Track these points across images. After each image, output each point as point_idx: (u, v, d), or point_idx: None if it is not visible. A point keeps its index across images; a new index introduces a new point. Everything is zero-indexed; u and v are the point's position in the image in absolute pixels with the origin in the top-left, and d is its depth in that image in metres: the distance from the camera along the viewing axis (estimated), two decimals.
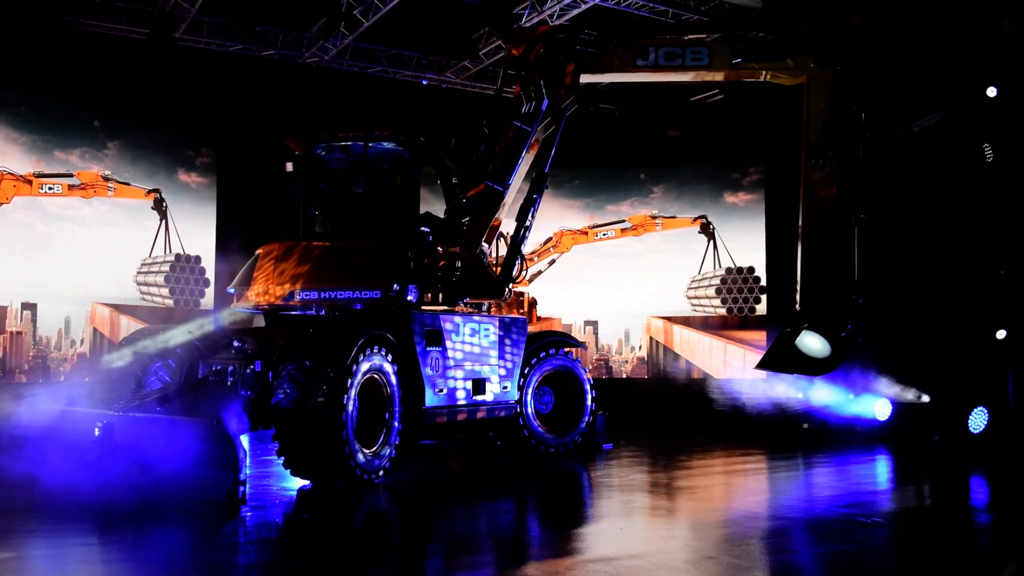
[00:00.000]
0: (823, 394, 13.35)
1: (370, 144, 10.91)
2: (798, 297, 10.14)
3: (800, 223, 10.22)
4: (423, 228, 10.54)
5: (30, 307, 13.90)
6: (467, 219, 10.96)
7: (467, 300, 10.96)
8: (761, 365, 10.39)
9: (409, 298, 9.98)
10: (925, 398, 13.05)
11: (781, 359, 10.12)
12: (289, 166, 10.80)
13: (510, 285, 11.38)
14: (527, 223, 11.34)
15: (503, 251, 11.43)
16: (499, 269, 11.30)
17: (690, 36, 11.08)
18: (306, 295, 10.05)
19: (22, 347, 13.81)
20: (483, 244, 11.00)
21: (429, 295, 10.41)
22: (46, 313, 14.12)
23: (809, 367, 10.03)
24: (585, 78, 11.28)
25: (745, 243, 18.07)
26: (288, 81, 16.16)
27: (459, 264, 10.61)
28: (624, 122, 19.31)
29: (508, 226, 11.44)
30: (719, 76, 11.16)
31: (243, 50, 15.84)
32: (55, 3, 13.29)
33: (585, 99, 17.38)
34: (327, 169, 11.16)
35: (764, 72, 10.73)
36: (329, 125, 11.25)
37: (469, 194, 10.92)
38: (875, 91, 10.27)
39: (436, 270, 10.43)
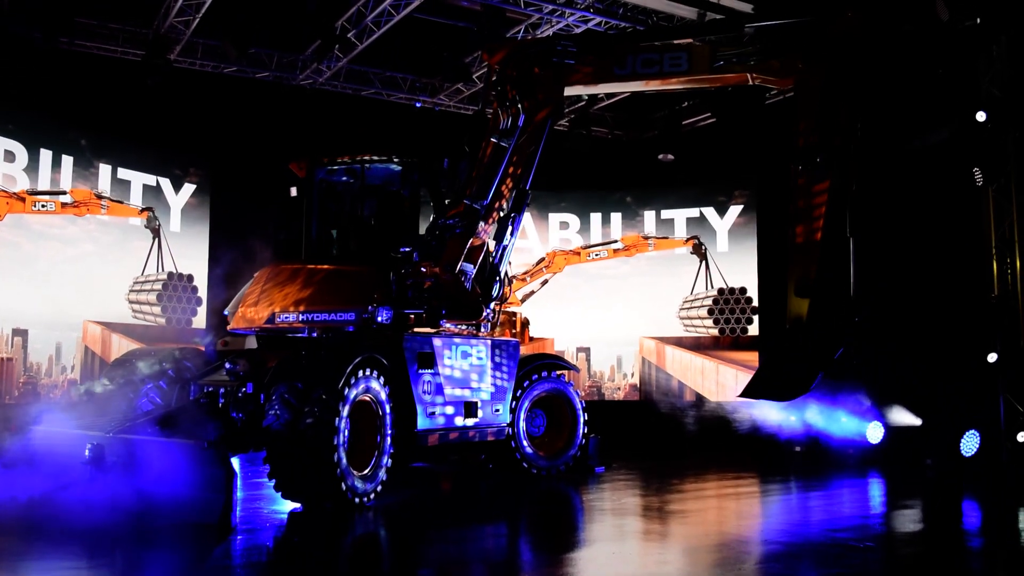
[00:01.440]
0: (815, 417, 13.36)
1: (369, 166, 10.96)
2: (787, 315, 9.53)
3: (789, 234, 9.57)
4: (404, 249, 10.48)
5: (21, 333, 13.84)
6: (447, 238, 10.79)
7: (451, 322, 10.78)
8: (742, 393, 9.91)
9: (379, 319, 9.93)
10: (917, 421, 13.07)
11: (755, 384, 9.77)
12: (293, 191, 10.85)
13: (491, 305, 11.22)
14: (505, 242, 11.13)
15: None
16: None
17: (669, 41, 10.81)
18: (286, 317, 10.13)
19: (12, 373, 13.72)
20: (463, 264, 10.74)
21: (412, 317, 10.34)
22: (37, 339, 14.04)
23: (779, 392, 9.71)
24: (567, 91, 11.06)
25: (734, 266, 18.09)
26: (282, 103, 16.22)
27: (438, 284, 10.49)
28: (612, 145, 19.37)
29: None
30: (701, 82, 10.71)
31: (237, 72, 15.92)
32: (49, 24, 13.31)
33: (563, 114, 17.37)
34: (328, 192, 11.19)
35: (749, 75, 10.23)
36: (323, 147, 11.30)
37: (449, 214, 10.81)
38: (867, 92, 9.75)
39: (419, 291, 10.37)
